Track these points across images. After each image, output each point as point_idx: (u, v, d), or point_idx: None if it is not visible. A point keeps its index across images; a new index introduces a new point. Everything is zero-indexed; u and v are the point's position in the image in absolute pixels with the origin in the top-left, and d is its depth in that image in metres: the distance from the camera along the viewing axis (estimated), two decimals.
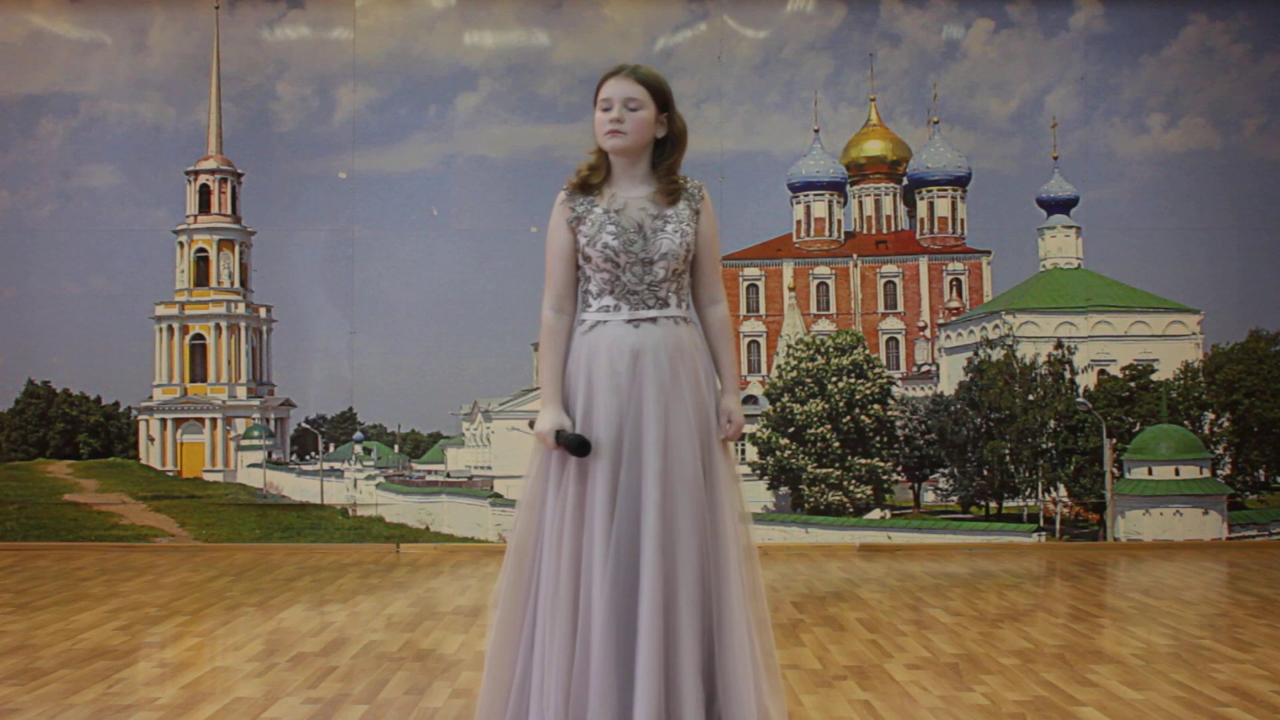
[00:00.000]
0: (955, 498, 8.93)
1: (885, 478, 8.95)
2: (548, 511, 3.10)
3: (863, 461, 8.94)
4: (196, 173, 9.17)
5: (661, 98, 3.18)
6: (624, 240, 3.12)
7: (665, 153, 3.22)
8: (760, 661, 3.09)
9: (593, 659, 2.95)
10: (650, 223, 3.15)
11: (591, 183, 3.18)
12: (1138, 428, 8.79)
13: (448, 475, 9.00)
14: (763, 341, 9.34)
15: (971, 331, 9.12)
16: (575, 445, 3.04)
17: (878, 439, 8.98)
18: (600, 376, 3.10)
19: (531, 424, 3.17)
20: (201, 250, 9.23)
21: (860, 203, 9.55)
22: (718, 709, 3.03)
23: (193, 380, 9.21)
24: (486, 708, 3.10)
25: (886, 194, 9.54)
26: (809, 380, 8.99)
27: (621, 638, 2.96)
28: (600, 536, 3.00)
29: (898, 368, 9.25)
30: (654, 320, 3.14)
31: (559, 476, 3.10)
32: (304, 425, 9.07)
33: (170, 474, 9.11)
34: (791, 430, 8.96)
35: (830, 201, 9.40)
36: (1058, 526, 8.74)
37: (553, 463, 3.12)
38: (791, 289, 9.34)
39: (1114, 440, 8.78)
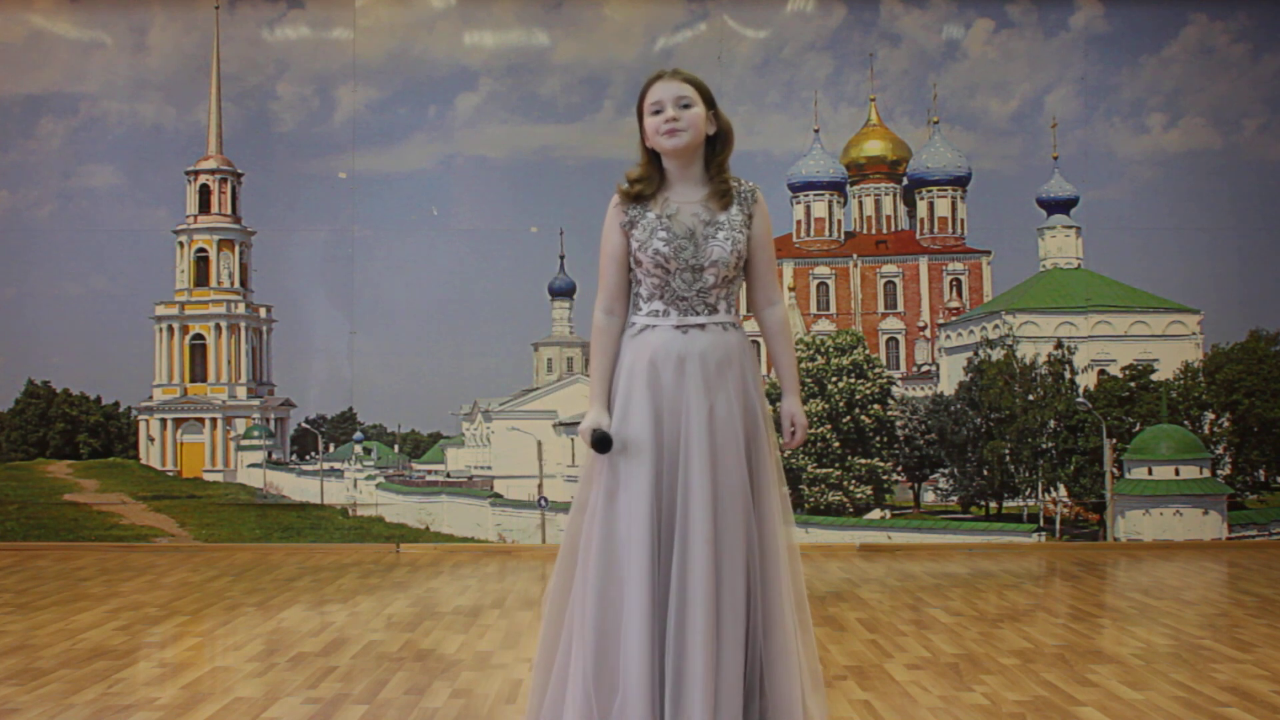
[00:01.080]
0: (955, 498, 8.93)
1: (885, 478, 8.95)
2: (587, 511, 3.12)
3: (863, 461, 8.94)
4: (196, 173, 9.17)
5: (707, 95, 3.21)
6: (675, 246, 3.12)
7: (715, 151, 3.24)
8: (804, 662, 3.09)
9: (630, 655, 2.94)
10: (702, 229, 3.16)
11: (645, 195, 3.18)
12: (1138, 428, 8.79)
13: (448, 475, 9.00)
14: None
15: (971, 331, 9.12)
16: (595, 441, 3.06)
17: (878, 439, 8.98)
18: (640, 377, 3.11)
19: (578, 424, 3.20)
20: (201, 250, 9.23)
21: (860, 203, 9.55)
22: (756, 708, 3.02)
23: (193, 380, 9.21)
24: (533, 706, 3.13)
25: (886, 194, 9.54)
26: (809, 380, 8.98)
27: (659, 634, 2.96)
28: (639, 536, 2.98)
29: (898, 368, 9.25)
30: (702, 326, 3.16)
31: (597, 477, 3.12)
32: (304, 425, 9.07)
33: (170, 474, 9.11)
34: None
35: (830, 201, 9.40)
36: (1058, 526, 8.73)
37: (595, 464, 3.14)
38: (791, 289, 9.34)
39: (1114, 440, 8.77)
